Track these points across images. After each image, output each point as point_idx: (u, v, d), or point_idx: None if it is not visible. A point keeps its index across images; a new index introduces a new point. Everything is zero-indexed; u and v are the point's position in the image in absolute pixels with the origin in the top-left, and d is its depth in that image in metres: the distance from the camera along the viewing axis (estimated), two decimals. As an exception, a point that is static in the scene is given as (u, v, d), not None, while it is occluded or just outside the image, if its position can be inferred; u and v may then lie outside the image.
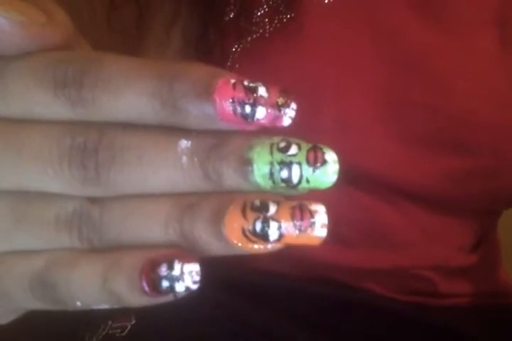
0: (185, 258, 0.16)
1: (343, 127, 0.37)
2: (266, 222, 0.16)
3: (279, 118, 0.17)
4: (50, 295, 0.17)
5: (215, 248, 0.17)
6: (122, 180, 0.16)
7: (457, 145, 0.37)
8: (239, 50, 0.35)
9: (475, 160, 0.37)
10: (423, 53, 0.36)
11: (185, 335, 0.36)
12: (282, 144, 0.16)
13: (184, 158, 0.16)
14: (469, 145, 0.37)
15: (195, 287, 0.17)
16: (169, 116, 0.16)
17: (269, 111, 0.16)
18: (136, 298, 0.17)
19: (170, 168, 0.16)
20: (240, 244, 0.16)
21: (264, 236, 0.16)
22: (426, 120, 0.36)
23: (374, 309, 0.42)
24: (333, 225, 0.44)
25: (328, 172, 0.17)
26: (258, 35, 0.35)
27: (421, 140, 0.37)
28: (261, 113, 0.16)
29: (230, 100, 0.16)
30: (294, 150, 0.17)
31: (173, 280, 0.16)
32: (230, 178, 0.16)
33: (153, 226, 0.17)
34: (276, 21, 0.35)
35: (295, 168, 0.16)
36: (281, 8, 0.35)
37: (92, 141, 0.16)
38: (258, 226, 0.16)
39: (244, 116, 0.16)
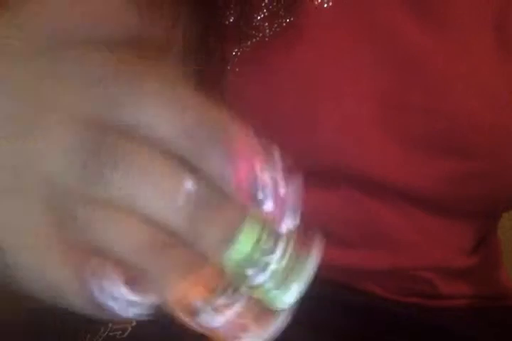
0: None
1: (342, 131, 0.37)
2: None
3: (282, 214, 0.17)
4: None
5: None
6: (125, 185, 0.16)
7: (456, 148, 0.37)
8: (239, 54, 0.35)
9: (474, 162, 0.37)
10: (422, 57, 0.36)
11: (186, 338, 0.36)
12: (267, 245, 0.16)
13: (181, 200, 0.16)
14: (468, 148, 0.37)
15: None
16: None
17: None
18: None
19: (165, 200, 0.16)
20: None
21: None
22: (425, 123, 0.37)
23: (374, 310, 0.42)
24: (333, 227, 0.44)
25: (290, 296, 0.18)
26: (258, 39, 0.35)
27: (420, 143, 0.37)
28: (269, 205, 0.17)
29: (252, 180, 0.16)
30: (277, 255, 0.17)
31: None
32: (209, 244, 0.17)
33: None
34: (276, 25, 0.35)
35: (263, 275, 0.17)
36: (280, 13, 0.35)
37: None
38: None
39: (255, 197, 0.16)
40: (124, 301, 0.16)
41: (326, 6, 0.36)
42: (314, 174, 0.38)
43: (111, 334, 0.37)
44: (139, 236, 0.17)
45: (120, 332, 0.37)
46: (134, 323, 0.37)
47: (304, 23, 0.36)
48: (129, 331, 0.37)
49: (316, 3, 0.36)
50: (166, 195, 0.16)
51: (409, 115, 0.37)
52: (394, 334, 0.42)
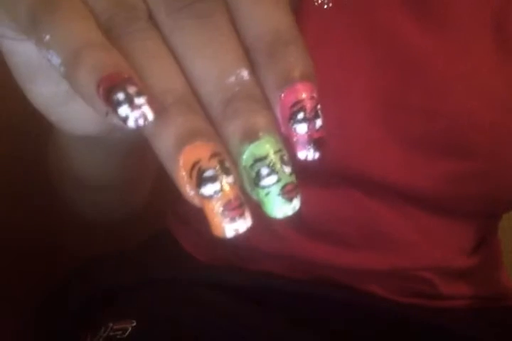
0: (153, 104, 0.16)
1: (341, 131, 0.37)
2: (214, 179, 0.16)
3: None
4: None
5: None
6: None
7: (455, 147, 0.37)
8: None
9: (473, 162, 0.37)
10: (421, 57, 0.36)
11: (186, 337, 0.37)
12: (285, 158, 0.17)
13: (232, 78, 0.16)
14: (467, 148, 0.37)
15: (140, 123, 0.16)
16: None
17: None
18: (90, 93, 0.16)
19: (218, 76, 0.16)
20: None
21: (200, 183, 0.16)
22: (424, 123, 0.37)
23: (374, 310, 0.42)
24: (333, 226, 0.44)
25: (289, 207, 0.17)
26: None
27: (420, 142, 0.37)
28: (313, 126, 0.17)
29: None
30: (288, 170, 0.17)
31: (128, 99, 0.16)
32: (237, 128, 0.16)
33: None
34: None
35: (272, 178, 0.16)
36: None
37: None
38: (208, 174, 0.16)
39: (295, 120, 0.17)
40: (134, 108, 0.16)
41: (326, 7, 0.36)
42: (314, 174, 0.38)
43: (111, 334, 0.37)
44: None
45: (120, 332, 0.37)
46: (135, 323, 0.37)
47: (304, 23, 0.36)
48: (129, 331, 0.37)
49: (317, 4, 0.36)
50: (217, 74, 0.16)
51: (409, 115, 0.37)
52: (394, 334, 0.42)
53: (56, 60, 0.16)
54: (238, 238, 0.17)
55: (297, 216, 0.42)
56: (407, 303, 0.43)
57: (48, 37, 0.16)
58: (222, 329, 0.38)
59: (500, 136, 0.37)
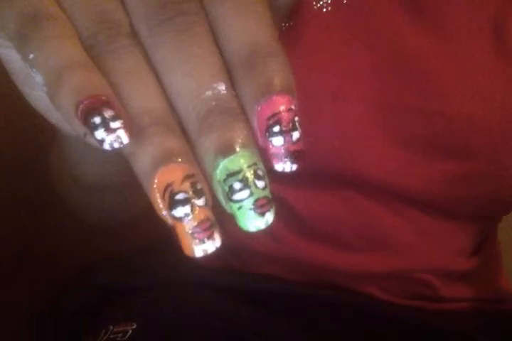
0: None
1: (340, 133, 0.37)
2: (185, 202, 0.16)
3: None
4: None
5: None
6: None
7: (454, 149, 0.37)
8: None
9: (472, 164, 0.37)
10: (419, 59, 0.37)
11: (186, 340, 0.37)
12: (259, 172, 0.17)
13: (208, 93, 0.16)
14: (466, 150, 0.37)
15: (115, 146, 0.16)
16: None
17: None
18: (70, 114, 0.16)
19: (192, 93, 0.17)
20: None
21: (172, 205, 0.16)
22: (422, 125, 0.37)
23: (374, 313, 0.42)
24: (332, 229, 0.44)
25: (261, 222, 0.17)
26: None
27: (418, 144, 0.37)
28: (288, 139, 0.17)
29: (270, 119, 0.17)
30: (261, 184, 0.17)
31: (104, 123, 0.16)
32: (212, 144, 0.17)
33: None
34: None
35: (245, 192, 0.17)
36: None
37: None
38: (178, 198, 0.16)
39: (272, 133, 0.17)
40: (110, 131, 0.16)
41: (325, 10, 0.36)
42: (313, 176, 0.39)
43: (112, 336, 0.37)
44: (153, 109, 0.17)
45: (121, 334, 0.37)
46: (135, 326, 0.37)
47: (303, 26, 0.36)
48: (129, 334, 0.37)
49: (316, 7, 0.36)
50: (193, 89, 0.16)
51: (407, 117, 0.37)
52: (394, 337, 0.42)
53: (39, 79, 0.17)
54: (206, 257, 0.17)
55: (297, 218, 0.42)
56: (407, 305, 0.43)
57: (31, 56, 0.17)
58: (223, 331, 0.38)
59: (499, 137, 0.37)
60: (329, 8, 0.36)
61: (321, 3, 0.36)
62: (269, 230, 0.43)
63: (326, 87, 0.36)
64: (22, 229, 0.51)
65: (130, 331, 0.37)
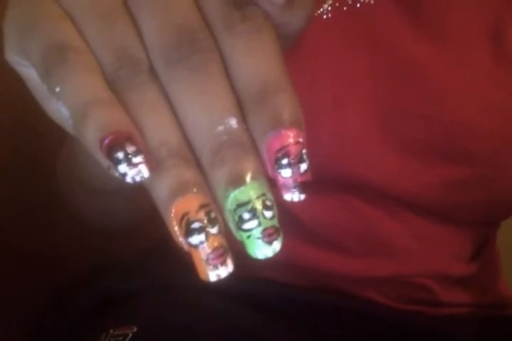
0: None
1: (340, 138, 0.37)
2: (200, 230, 0.17)
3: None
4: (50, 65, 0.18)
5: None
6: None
7: (453, 154, 0.38)
8: None
9: (471, 169, 0.38)
10: (418, 65, 0.37)
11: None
12: (268, 203, 0.18)
13: (220, 128, 0.17)
14: (465, 155, 0.37)
15: (137, 179, 0.17)
16: None
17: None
18: (95, 148, 0.17)
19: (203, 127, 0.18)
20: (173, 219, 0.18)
21: (188, 233, 0.17)
22: (422, 130, 0.37)
23: (374, 317, 0.42)
24: (332, 234, 0.44)
25: (268, 250, 0.18)
26: None
27: (417, 149, 0.38)
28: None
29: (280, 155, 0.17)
30: (269, 214, 0.18)
31: (126, 158, 0.17)
32: (223, 175, 0.17)
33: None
34: None
35: (253, 222, 0.18)
36: None
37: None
38: (194, 226, 0.17)
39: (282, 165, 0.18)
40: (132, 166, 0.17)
41: (325, 17, 0.37)
42: (312, 181, 0.39)
43: (112, 340, 0.37)
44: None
45: (121, 338, 0.37)
46: (135, 329, 0.37)
47: (304, 33, 0.36)
48: (129, 337, 0.37)
49: (316, 14, 0.37)
50: (207, 124, 0.18)
51: (407, 122, 0.37)
52: (394, 341, 0.42)
53: (65, 111, 0.18)
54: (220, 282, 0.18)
55: (297, 223, 0.42)
56: (407, 310, 0.43)
57: (58, 89, 0.18)
58: (223, 335, 0.38)
59: (498, 143, 0.37)
60: (329, 15, 0.37)
61: (321, 10, 0.37)
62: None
63: (327, 92, 0.37)
64: (23, 231, 0.51)
65: (130, 334, 0.37)
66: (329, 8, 0.37)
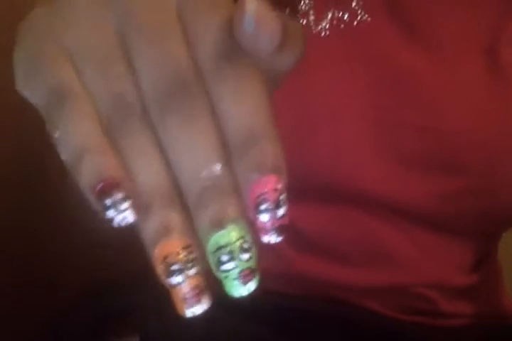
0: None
1: (338, 149, 0.38)
2: (179, 272, 0.19)
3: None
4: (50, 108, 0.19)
5: None
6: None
7: (448, 164, 0.38)
8: None
9: (466, 179, 0.38)
10: (413, 79, 0.38)
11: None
12: (245, 245, 0.19)
13: (205, 173, 0.19)
14: (459, 165, 0.38)
15: (122, 224, 0.19)
16: None
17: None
18: (88, 193, 0.19)
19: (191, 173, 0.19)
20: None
21: (168, 273, 0.19)
22: (418, 141, 0.38)
23: (375, 328, 0.43)
24: (331, 244, 0.45)
25: (245, 289, 0.19)
26: None
27: (414, 160, 0.38)
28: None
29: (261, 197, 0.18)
30: (245, 257, 0.19)
31: (114, 204, 0.18)
32: (206, 219, 0.19)
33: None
34: None
35: (231, 264, 0.19)
36: None
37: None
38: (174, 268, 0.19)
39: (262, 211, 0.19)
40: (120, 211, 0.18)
41: (323, 34, 0.38)
42: (311, 192, 0.40)
43: (115, 349, 0.38)
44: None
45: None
46: (138, 339, 0.38)
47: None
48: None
49: (314, 31, 0.38)
50: (192, 169, 0.19)
51: (404, 134, 0.38)
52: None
53: (63, 156, 0.19)
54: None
55: (297, 234, 0.43)
56: (407, 320, 0.44)
57: (57, 134, 0.19)
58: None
59: (493, 153, 0.38)
60: (327, 33, 0.38)
61: (320, 27, 0.38)
62: (269, 245, 0.43)
63: (325, 106, 0.38)
64: (32, 245, 0.51)
65: None
66: (327, 26, 0.38)
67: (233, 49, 0.19)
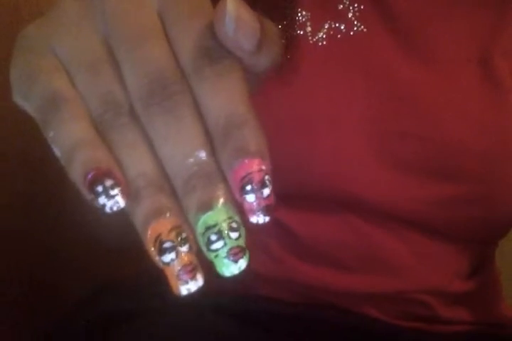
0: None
1: (337, 157, 0.39)
2: (171, 249, 0.20)
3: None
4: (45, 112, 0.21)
5: None
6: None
7: (447, 172, 0.39)
8: None
9: (465, 187, 0.39)
10: (410, 88, 0.39)
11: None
12: (233, 225, 0.20)
13: (191, 160, 0.20)
14: (459, 173, 0.39)
15: (114, 209, 0.20)
16: None
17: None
18: (80, 184, 0.20)
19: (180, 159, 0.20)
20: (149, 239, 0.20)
21: (161, 252, 0.20)
22: (416, 149, 0.39)
23: (373, 334, 0.43)
24: (330, 250, 0.45)
25: (235, 268, 0.20)
26: None
27: (412, 168, 0.39)
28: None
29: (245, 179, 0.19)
30: (234, 235, 0.20)
31: (105, 191, 0.20)
32: (194, 202, 0.20)
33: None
34: None
35: (220, 243, 0.20)
36: None
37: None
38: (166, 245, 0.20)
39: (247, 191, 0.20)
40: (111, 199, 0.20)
41: (320, 44, 0.39)
42: (310, 198, 0.40)
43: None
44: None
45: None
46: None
47: (300, 59, 0.38)
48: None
49: (311, 42, 0.39)
50: (179, 157, 0.20)
51: (402, 142, 0.39)
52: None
53: (58, 153, 0.21)
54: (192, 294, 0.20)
55: (295, 240, 0.43)
56: (406, 327, 0.44)
57: (51, 134, 0.21)
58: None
59: (490, 161, 0.38)
60: (324, 42, 0.39)
61: (317, 37, 0.39)
62: (267, 251, 0.43)
63: (323, 114, 0.39)
64: (28, 254, 0.51)
65: None
66: (324, 36, 0.39)
67: (214, 49, 0.20)
